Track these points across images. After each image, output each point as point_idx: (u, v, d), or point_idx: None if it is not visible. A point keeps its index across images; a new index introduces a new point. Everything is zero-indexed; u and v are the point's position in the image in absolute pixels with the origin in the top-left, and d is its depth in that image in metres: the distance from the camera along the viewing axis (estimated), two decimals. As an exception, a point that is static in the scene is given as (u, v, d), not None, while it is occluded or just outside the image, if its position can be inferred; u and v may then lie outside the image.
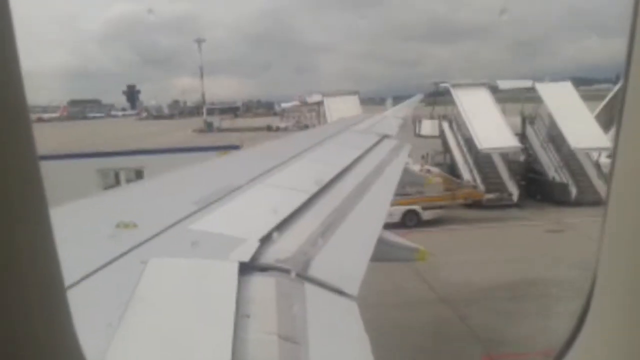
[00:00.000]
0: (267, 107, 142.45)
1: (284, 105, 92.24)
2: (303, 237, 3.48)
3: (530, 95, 33.62)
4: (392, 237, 4.76)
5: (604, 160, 27.38)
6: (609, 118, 27.85)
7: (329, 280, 2.84)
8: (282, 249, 3.14)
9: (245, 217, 3.95)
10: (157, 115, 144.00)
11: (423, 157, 31.72)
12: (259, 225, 3.46)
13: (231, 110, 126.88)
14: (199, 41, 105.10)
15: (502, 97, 33.58)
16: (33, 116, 1.15)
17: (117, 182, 24.14)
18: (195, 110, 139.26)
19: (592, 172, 28.35)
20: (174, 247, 3.03)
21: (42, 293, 0.99)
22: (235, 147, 22.07)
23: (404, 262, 8.59)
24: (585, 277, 1.48)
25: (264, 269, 2.79)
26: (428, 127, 34.83)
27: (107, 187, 20.04)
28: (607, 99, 34.30)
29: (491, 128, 28.31)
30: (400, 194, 24.17)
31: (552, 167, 29.28)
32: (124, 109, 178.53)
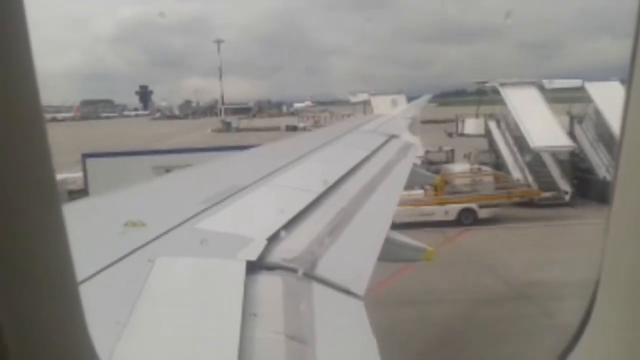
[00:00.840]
0: (277, 108, 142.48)
1: (297, 105, 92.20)
2: (310, 236, 3.48)
3: (566, 96, 32.87)
4: (399, 236, 4.73)
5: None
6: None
7: (336, 279, 2.84)
8: (290, 248, 3.14)
9: (252, 216, 3.96)
10: (170, 115, 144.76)
11: (466, 155, 31.37)
12: (267, 224, 3.46)
13: (243, 110, 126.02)
14: (219, 41, 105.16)
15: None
16: (47, 116, 1.17)
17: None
18: (207, 111, 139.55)
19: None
20: (182, 246, 3.04)
21: (55, 291, 1.01)
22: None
23: (410, 262, 8.54)
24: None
25: (271, 268, 2.80)
26: (472, 126, 34.27)
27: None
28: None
29: (543, 127, 27.77)
30: (454, 192, 24.35)
31: (602, 167, 28.52)
32: (136, 109, 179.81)
